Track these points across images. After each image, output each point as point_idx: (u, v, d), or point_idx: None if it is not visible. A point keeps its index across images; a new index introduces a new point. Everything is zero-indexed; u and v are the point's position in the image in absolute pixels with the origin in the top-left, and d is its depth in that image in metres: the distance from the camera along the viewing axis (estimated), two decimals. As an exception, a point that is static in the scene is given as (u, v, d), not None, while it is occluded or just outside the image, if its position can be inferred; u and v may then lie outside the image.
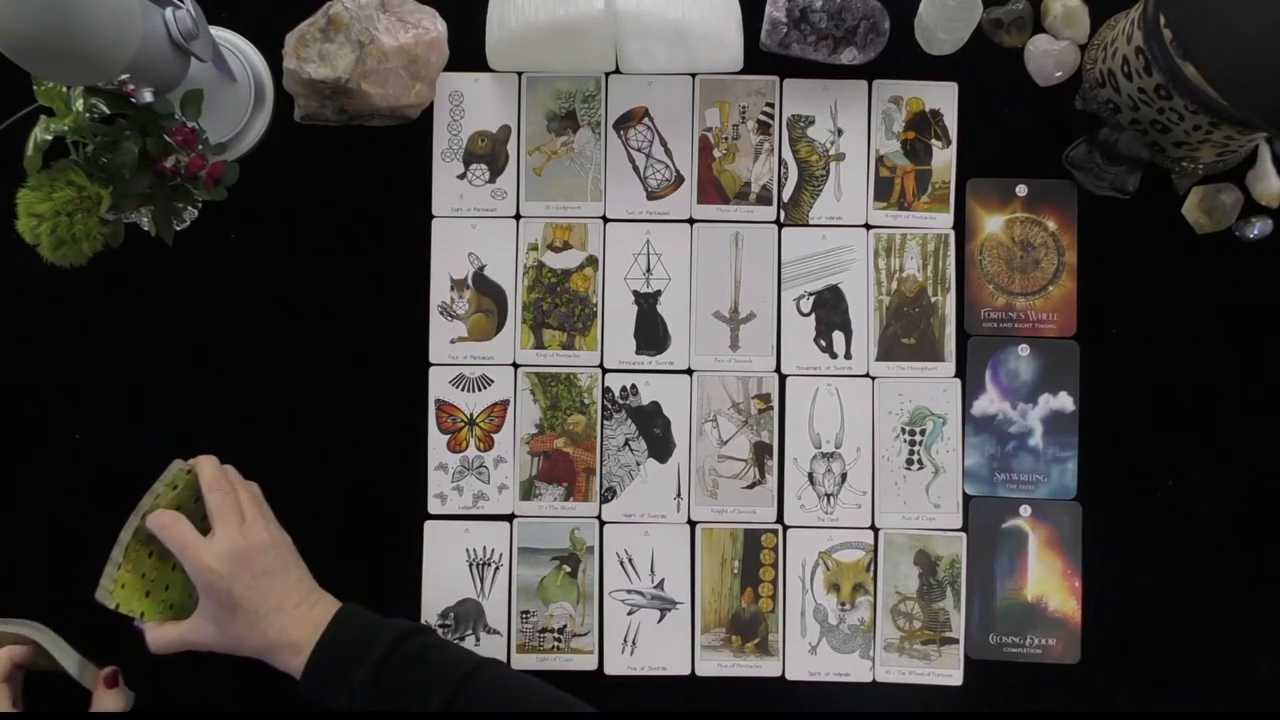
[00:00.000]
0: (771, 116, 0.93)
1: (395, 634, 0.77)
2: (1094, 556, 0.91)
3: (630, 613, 0.91)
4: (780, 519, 0.91)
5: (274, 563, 0.79)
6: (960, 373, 0.92)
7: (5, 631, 0.86)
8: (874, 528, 0.91)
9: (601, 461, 0.91)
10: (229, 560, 0.78)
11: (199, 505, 0.83)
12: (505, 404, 0.91)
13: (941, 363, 0.92)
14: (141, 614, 0.81)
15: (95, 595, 0.80)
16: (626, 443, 0.91)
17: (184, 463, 0.84)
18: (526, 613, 0.90)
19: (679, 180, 0.93)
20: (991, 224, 0.92)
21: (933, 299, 0.92)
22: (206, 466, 0.83)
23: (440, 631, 0.90)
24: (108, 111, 0.78)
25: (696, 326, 0.92)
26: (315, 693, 0.77)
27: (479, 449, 0.91)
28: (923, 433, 0.91)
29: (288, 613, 0.78)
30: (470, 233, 0.92)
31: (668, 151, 0.93)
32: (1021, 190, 0.92)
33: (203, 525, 0.81)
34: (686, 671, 0.91)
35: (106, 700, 0.83)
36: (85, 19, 0.68)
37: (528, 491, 0.91)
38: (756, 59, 0.92)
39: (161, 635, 0.80)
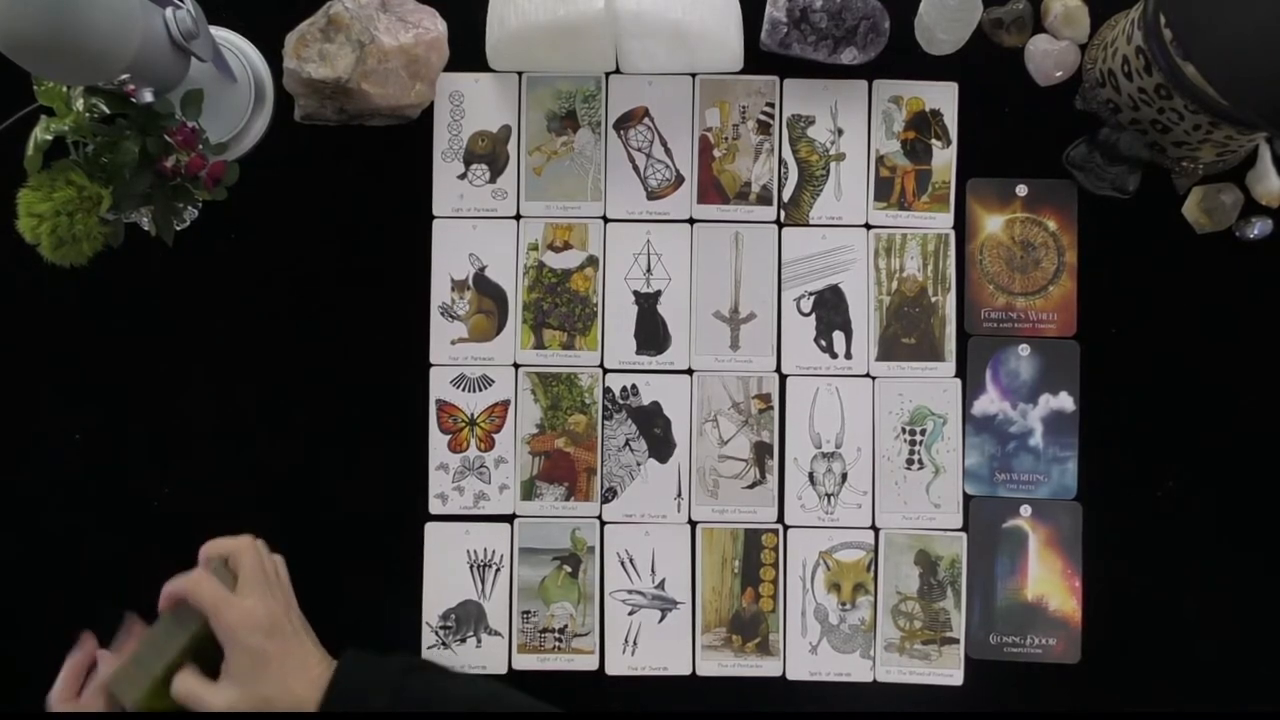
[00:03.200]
0: (771, 116, 0.93)
1: (401, 667, 0.78)
2: (1094, 556, 0.91)
3: (631, 613, 0.91)
4: (781, 519, 0.91)
5: (299, 623, 0.79)
6: (960, 373, 0.92)
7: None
8: (874, 527, 0.91)
9: (602, 461, 0.91)
10: (266, 615, 0.76)
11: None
12: (506, 404, 0.91)
13: (942, 363, 0.92)
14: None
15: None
16: (627, 443, 0.91)
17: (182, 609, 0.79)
18: (527, 613, 0.90)
19: (679, 180, 0.93)
20: (991, 224, 0.93)
21: (933, 299, 0.92)
22: (223, 543, 0.80)
23: (441, 633, 0.90)
24: (108, 111, 0.79)
25: (696, 326, 0.92)
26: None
27: (480, 449, 0.91)
28: (923, 433, 0.92)
29: (311, 669, 0.77)
30: (471, 233, 0.92)
31: (668, 151, 0.93)
32: (1021, 190, 0.92)
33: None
34: (687, 671, 0.91)
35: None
36: (85, 19, 0.68)
37: (528, 491, 0.91)
38: (756, 59, 0.92)
39: (185, 686, 0.76)
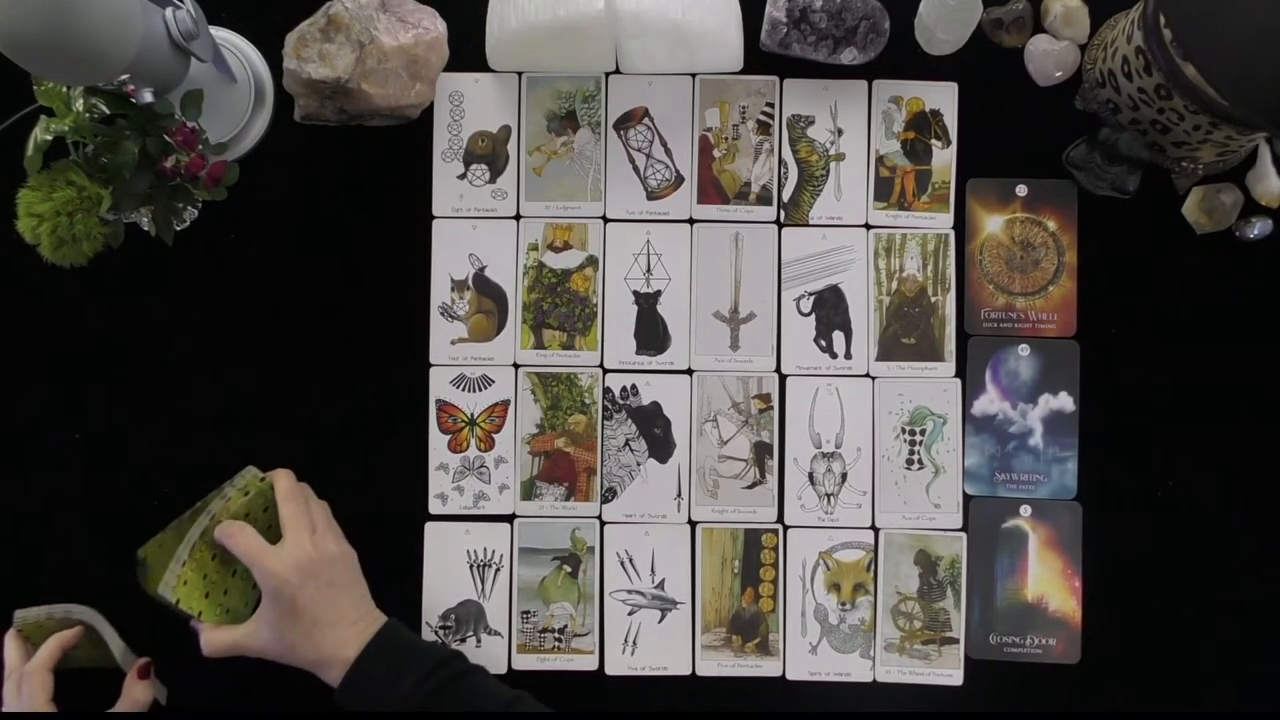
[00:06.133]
0: (771, 116, 0.93)
1: (438, 657, 0.79)
2: (1094, 556, 0.91)
3: (631, 613, 0.91)
4: (780, 519, 0.91)
5: (339, 576, 0.81)
6: (960, 373, 0.92)
7: (57, 617, 0.85)
8: (874, 527, 0.91)
9: (602, 461, 0.91)
10: (297, 569, 0.79)
11: (267, 514, 0.84)
12: (506, 404, 0.91)
13: (941, 363, 0.92)
14: (199, 614, 0.81)
15: (158, 588, 0.80)
16: (627, 443, 0.91)
17: (258, 471, 0.85)
18: (527, 613, 0.90)
19: (679, 180, 0.93)
20: (991, 224, 0.93)
21: (933, 299, 0.92)
22: (283, 478, 0.84)
23: (441, 633, 0.90)
24: (108, 111, 0.78)
25: (696, 326, 0.92)
26: (350, 703, 0.78)
27: (480, 449, 0.91)
28: (923, 433, 0.92)
29: (345, 628, 0.79)
30: (470, 233, 0.92)
31: (668, 151, 0.93)
32: (1021, 190, 0.92)
33: (270, 534, 0.82)
34: (687, 671, 0.91)
35: (136, 690, 0.83)
36: (85, 19, 0.68)
37: (528, 491, 0.91)
38: (756, 59, 0.92)
39: (216, 638, 0.81)
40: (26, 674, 0.81)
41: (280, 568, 0.78)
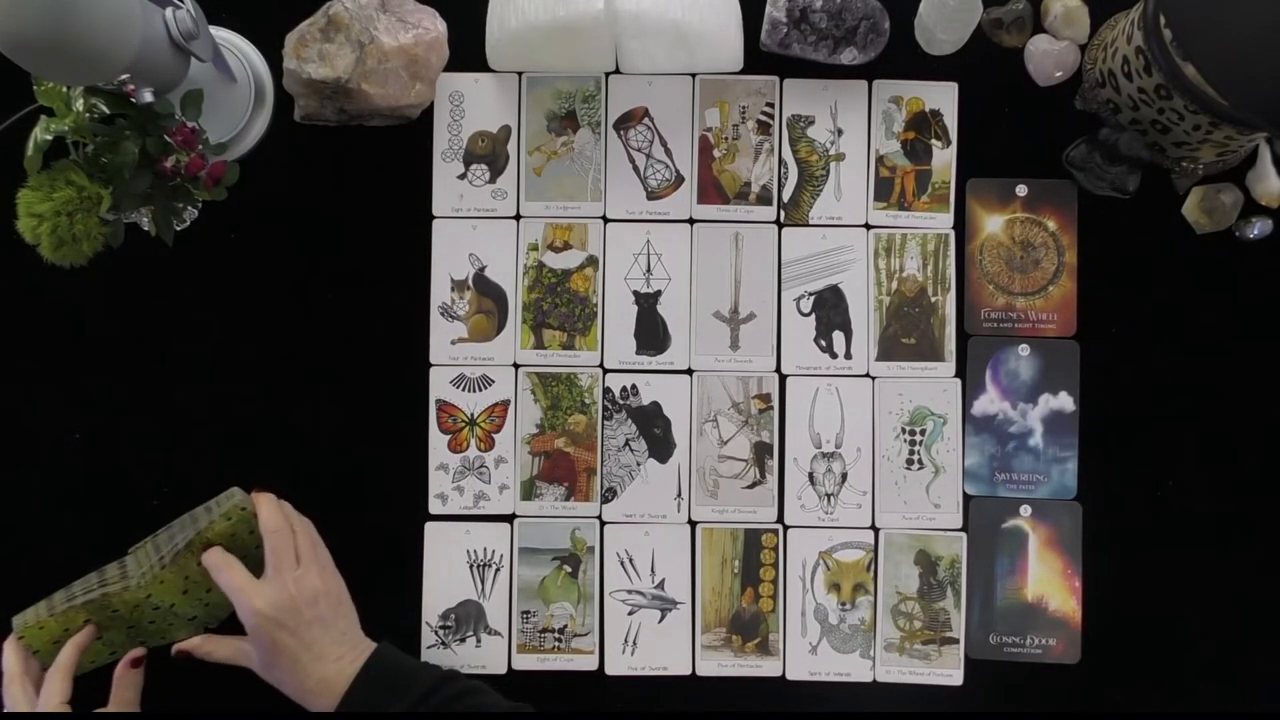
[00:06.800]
0: (771, 116, 0.93)
1: (432, 679, 0.78)
2: (1094, 556, 0.91)
3: (631, 613, 0.91)
4: (780, 519, 0.91)
5: (322, 612, 0.80)
6: (960, 373, 0.92)
7: (58, 610, 0.83)
8: (874, 528, 0.91)
9: (602, 461, 0.91)
10: (276, 608, 0.78)
11: (254, 536, 0.83)
12: (506, 404, 0.91)
13: (941, 363, 0.92)
14: (172, 605, 0.82)
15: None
16: (627, 443, 0.91)
17: (243, 496, 0.84)
18: (527, 613, 0.90)
19: (679, 180, 0.93)
20: (991, 224, 0.93)
21: (933, 299, 0.92)
22: (265, 506, 0.83)
23: (440, 633, 0.90)
24: (108, 111, 0.78)
25: (696, 326, 0.92)
26: None
27: (480, 449, 0.91)
28: (923, 433, 0.92)
29: (328, 665, 0.78)
30: (470, 233, 0.92)
31: (668, 151, 0.93)
32: (1021, 190, 0.92)
33: (258, 553, 0.82)
34: (687, 671, 0.91)
35: (128, 679, 0.83)
36: (85, 19, 0.68)
37: (528, 491, 0.91)
38: (756, 59, 0.92)
39: (215, 647, 0.81)
40: (48, 677, 0.80)
41: (260, 605, 0.78)
